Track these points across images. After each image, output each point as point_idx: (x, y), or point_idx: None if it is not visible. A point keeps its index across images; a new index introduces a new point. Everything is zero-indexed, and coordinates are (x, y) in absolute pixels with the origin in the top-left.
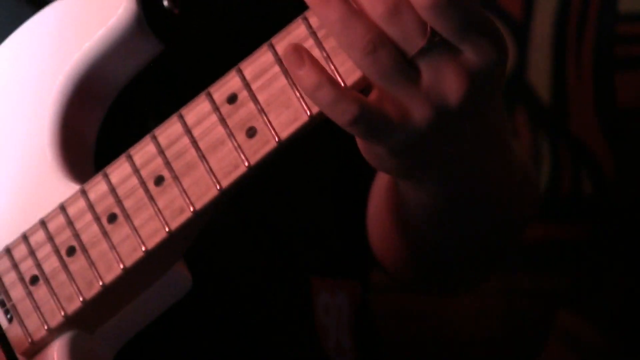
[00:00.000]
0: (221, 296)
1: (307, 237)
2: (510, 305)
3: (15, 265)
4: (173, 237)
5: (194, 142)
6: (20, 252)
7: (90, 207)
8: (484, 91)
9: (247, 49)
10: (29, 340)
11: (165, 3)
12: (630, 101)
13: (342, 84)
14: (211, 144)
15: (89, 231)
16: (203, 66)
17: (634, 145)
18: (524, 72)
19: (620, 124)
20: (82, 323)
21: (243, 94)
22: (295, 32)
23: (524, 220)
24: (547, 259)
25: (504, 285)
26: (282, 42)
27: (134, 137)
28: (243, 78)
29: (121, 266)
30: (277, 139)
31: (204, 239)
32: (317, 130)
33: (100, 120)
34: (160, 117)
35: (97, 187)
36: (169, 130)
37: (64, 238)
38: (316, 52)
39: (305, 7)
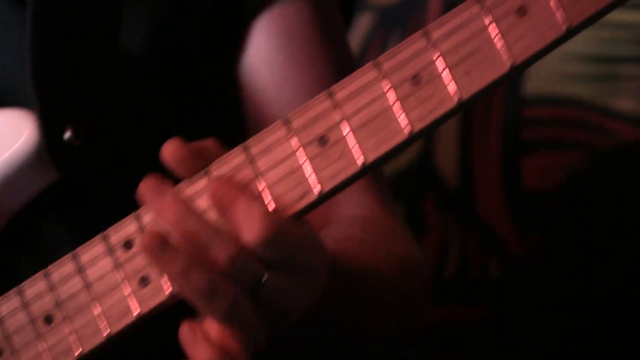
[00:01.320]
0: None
1: None
2: None
3: None
4: None
5: (87, 285)
6: None
7: None
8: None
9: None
10: None
11: (66, 136)
12: (536, 184)
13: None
14: (104, 288)
15: None
16: (99, 197)
17: (539, 227)
18: (431, 158)
19: (526, 206)
20: None
21: (139, 241)
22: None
23: (420, 314)
24: (448, 339)
25: None
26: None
27: (25, 262)
28: (140, 225)
29: None
30: (168, 292)
31: None
32: None
33: None
34: (55, 241)
35: None
36: (63, 269)
37: None
38: None
39: None
